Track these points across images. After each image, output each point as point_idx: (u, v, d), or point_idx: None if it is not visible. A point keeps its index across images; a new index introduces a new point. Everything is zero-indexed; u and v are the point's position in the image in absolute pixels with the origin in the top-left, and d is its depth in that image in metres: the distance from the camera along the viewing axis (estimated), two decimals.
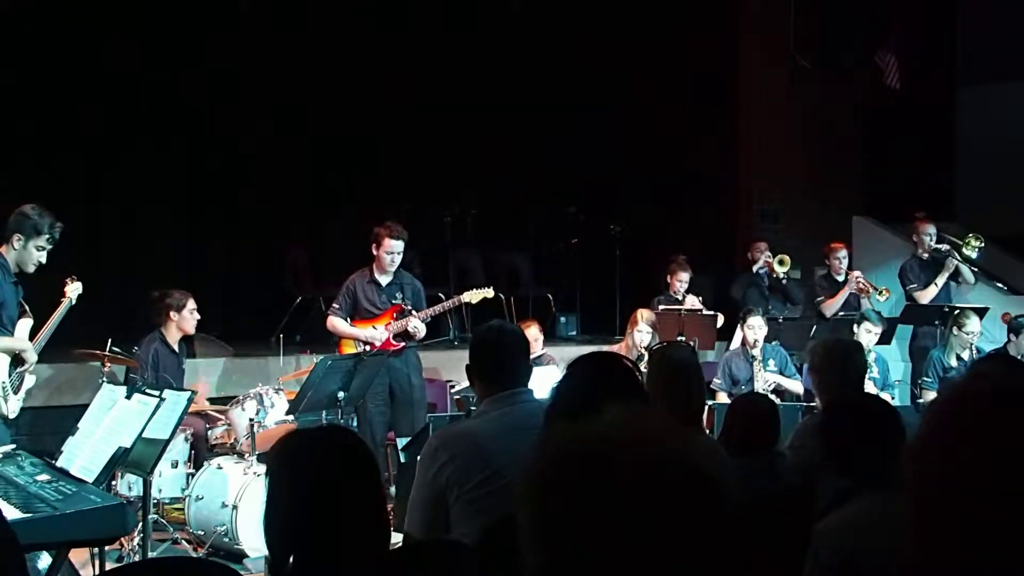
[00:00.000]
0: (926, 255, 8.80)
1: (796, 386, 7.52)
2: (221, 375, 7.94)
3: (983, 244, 8.87)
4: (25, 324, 5.29)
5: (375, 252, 6.84)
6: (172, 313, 6.76)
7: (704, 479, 1.08)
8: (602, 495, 1.06)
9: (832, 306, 8.65)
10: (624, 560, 1.05)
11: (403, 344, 6.88)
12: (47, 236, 5.17)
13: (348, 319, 6.90)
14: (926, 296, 8.60)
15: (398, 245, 6.80)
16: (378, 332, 6.83)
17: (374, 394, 6.72)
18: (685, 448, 1.10)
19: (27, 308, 5.30)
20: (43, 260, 5.22)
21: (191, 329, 6.85)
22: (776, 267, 9.06)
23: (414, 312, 6.85)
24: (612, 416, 1.13)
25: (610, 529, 1.05)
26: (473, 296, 7.23)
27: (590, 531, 1.06)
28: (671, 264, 8.75)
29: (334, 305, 6.99)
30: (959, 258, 8.67)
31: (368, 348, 6.74)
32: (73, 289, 5.66)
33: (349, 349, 6.82)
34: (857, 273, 8.78)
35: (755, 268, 9.24)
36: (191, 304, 6.81)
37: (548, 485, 1.10)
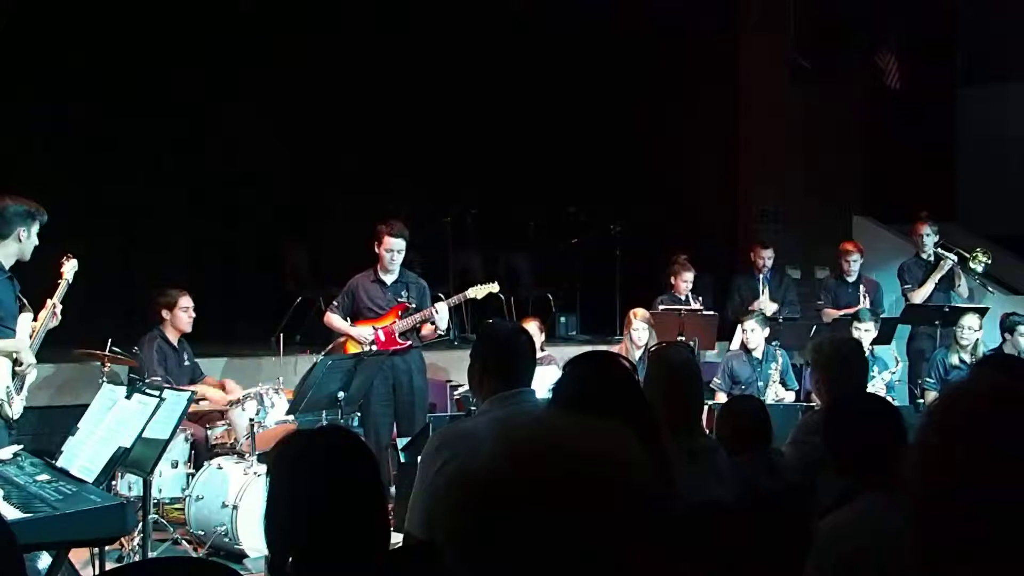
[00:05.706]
0: (926, 255, 8.75)
1: (792, 397, 7.51)
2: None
3: (990, 260, 8.73)
4: (26, 318, 5.27)
5: (376, 250, 6.84)
6: (164, 312, 6.73)
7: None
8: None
9: (831, 315, 8.59)
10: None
11: (408, 343, 6.86)
12: (39, 218, 5.17)
13: (347, 319, 6.89)
14: (919, 296, 8.54)
15: (398, 243, 6.77)
16: (366, 332, 6.80)
17: (378, 395, 6.71)
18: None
19: (25, 302, 5.28)
20: (37, 241, 5.22)
21: (186, 327, 6.79)
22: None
23: (427, 310, 6.82)
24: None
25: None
26: (479, 291, 7.18)
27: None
28: (674, 265, 8.59)
29: (333, 303, 7.03)
30: (959, 268, 8.57)
31: (371, 347, 6.73)
32: (69, 268, 5.57)
33: (354, 349, 6.81)
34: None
35: (758, 274, 9.16)
36: (183, 302, 6.74)
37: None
